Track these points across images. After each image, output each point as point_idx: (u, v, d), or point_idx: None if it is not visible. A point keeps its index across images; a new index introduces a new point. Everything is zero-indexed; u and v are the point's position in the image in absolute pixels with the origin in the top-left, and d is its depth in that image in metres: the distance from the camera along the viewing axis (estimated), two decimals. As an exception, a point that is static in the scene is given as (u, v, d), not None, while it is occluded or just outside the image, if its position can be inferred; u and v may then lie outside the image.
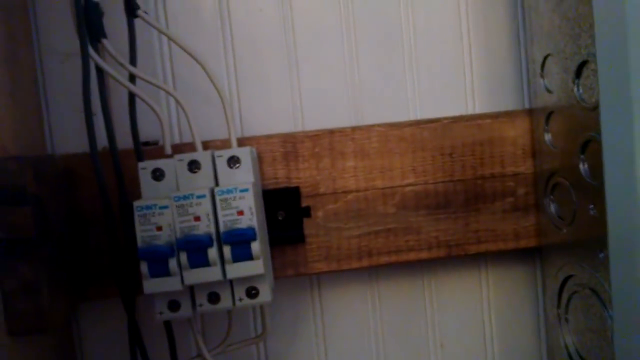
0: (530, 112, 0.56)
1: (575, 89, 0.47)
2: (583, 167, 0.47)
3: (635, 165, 0.42)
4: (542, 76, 0.53)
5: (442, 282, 0.61)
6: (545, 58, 0.52)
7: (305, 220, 0.55)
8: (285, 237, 0.54)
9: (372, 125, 0.56)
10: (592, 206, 0.46)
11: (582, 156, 0.47)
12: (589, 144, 0.46)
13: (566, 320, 0.54)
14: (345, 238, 0.55)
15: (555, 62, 0.51)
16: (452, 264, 0.61)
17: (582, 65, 0.46)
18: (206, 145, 0.53)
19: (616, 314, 0.44)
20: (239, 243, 0.43)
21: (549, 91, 0.52)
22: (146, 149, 0.53)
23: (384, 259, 0.56)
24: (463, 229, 0.56)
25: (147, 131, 0.56)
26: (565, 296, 0.53)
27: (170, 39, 0.54)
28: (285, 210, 0.54)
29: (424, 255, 0.56)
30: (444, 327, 0.62)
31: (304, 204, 0.55)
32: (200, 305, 0.46)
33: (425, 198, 0.56)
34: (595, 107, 0.44)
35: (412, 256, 0.56)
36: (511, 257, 0.61)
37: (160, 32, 0.53)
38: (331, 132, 0.55)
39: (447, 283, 0.61)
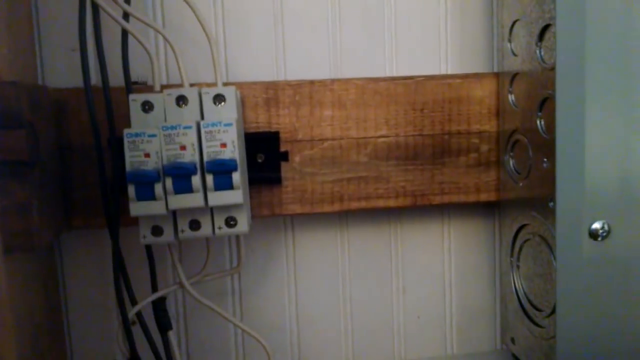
0: (498, 75, 0.61)
1: (537, 51, 0.51)
2: (540, 123, 0.52)
3: (584, 120, 0.47)
4: (509, 40, 0.57)
5: (407, 230, 0.66)
6: (514, 23, 0.56)
7: (283, 164, 0.59)
8: (264, 178, 0.58)
9: (350, 79, 0.59)
10: (545, 159, 0.51)
11: (539, 113, 0.52)
12: (545, 102, 0.51)
13: (517, 267, 0.59)
14: (319, 183, 0.59)
15: (522, 27, 0.55)
16: (417, 213, 0.65)
17: (545, 28, 0.50)
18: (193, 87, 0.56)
19: (559, 258, 0.49)
20: (221, 172, 0.47)
21: (514, 54, 0.57)
22: (136, 87, 0.56)
23: (355, 205, 0.60)
24: (429, 181, 0.61)
25: (136, 71, 0.58)
26: (518, 244, 0.59)
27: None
28: (264, 153, 0.58)
29: (391, 203, 0.61)
30: (407, 273, 0.66)
31: (282, 148, 0.58)
32: (182, 231, 0.50)
33: (395, 149, 0.60)
34: (553, 68, 0.48)
35: (380, 203, 0.61)
36: (472, 209, 0.66)
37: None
38: (311, 82, 0.58)
39: (411, 231, 0.66)
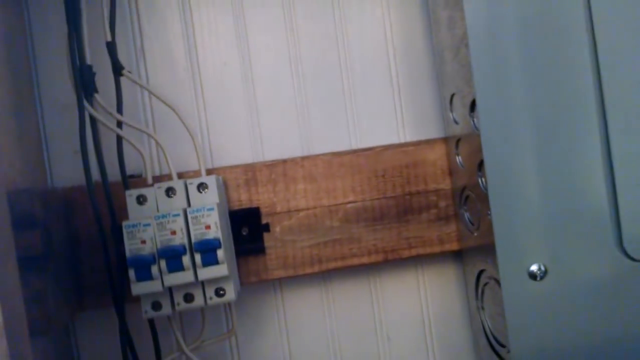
0: (446, 140, 0.69)
1: (471, 121, 0.60)
2: (481, 181, 0.60)
3: (511, 175, 0.55)
4: (451, 110, 0.66)
5: (385, 283, 0.73)
6: (452, 96, 0.65)
7: (266, 235, 0.66)
8: (249, 249, 0.66)
9: (318, 155, 0.68)
10: (489, 212, 0.59)
11: (479, 172, 0.60)
12: (482, 162, 0.59)
13: (482, 308, 0.66)
14: (299, 248, 0.67)
15: (458, 99, 0.64)
16: (392, 266, 0.73)
17: (474, 102, 0.59)
18: (181, 176, 0.65)
19: (506, 299, 0.56)
20: (207, 251, 0.55)
21: (456, 122, 0.65)
22: (131, 180, 0.65)
23: (332, 265, 0.68)
24: (396, 237, 0.68)
25: (132, 165, 0.67)
26: (480, 287, 0.65)
27: (149, 92, 0.66)
28: (248, 226, 0.66)
29: (364, 260, 0.68)
30: (389, 322, 0.73)
31: (263, 221, 0.66)
32: (178, 304, 0.57)
33: (364, 212, 0.68)
34: (482, 134, 0.57)
35: (355, 261, 0.68)
36: (441, 258, 0.73)
37: (142, 87, 0.65)
38: (284, 161, 0.67)
39: (389, 283, 0.73)
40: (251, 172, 0.67)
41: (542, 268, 0.54)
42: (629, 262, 0.54)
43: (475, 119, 0.59)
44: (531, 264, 0.55)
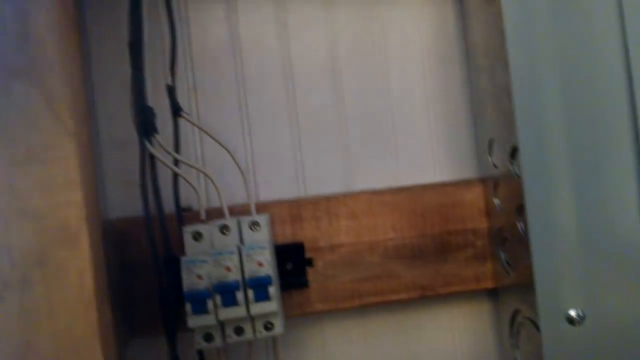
0: (483, 181, 0.72)
1: (511, 167, 0.63)
2: (520, 225, 0.62)
3: (552, 225, 0.58)
4: (490, 154, 0.69)
5: (420, 318, 0.75)
6: (491, 140, 0.68)
7: (309, 269, 0.69)
8: (293, 283, 0.69)
9: (360, 192, 0.71)
10: (529, 256, 0.61)
11: (518, 216, 0.62)
12: (521, 207, 0.61)
13: (517, 347, 0.68)
14: (340, 283, 0.70)
15: (498, 145, 0.66)
16: (429, 302, 0.75)
17: (515, 149, 0.62)
18: (231, 209, 0.68)
19: (545, 343, 0.58)
20: (259, 287, 0.58)
21: (495, 166, 0.68)
22: (185, 214, 0.68)
23: (371, 299, 0.70)
24: (434, 274, 0.71)
25: (182, 197, 0.71)
26: (515, 327, 0.67)
27: (204, 132, 0.70)
28: (292, 261, 0.69)
29: (403, 296, 0.71)
30: (423, 356, 0.75)
31: (307, 255, 0.69)
32: (229, 336, 0.60)
33: (403, 249, 0.71)
34: (523, 182, 0.59)
35: (393, 297, 0.70)
36: (476, 295, 0.75)
37: (197, 127, 0.69)
38: (328, 198, 0.70)
39: (425, 318, 0.75)
40: (296, 208, 0.70)
41: (581, 313, 0.56)
42: (665, 309, 0.56)
43: (515, 165, 0.62)
44: (570, 309, 0.57)
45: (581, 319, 0.56)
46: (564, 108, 0.59)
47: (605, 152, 0.59)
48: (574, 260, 0.57)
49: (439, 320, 0.76)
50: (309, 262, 0.69)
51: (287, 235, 0.70)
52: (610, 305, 0.57)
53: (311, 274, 0.69)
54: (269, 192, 0.74)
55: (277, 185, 0.74)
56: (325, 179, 0.74)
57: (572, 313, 0.57)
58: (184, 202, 0.71)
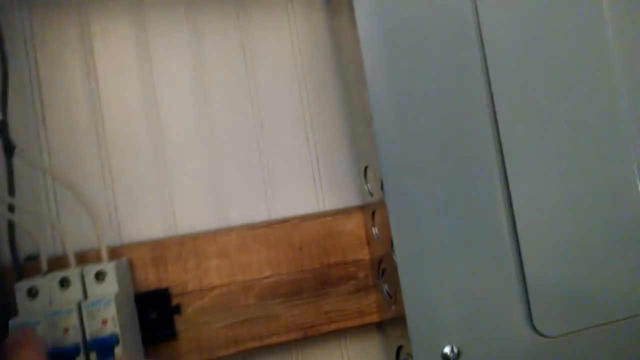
0: (363, 209, 0.68)
1: (383, 194, 0.59)
2: (394, 255, 0.59)
3: (421, 254, 0.54)
4: (366, 181, 0.66)
5: (308, 358, 0.70)
6: (366, 168, 0.65)
7: (177, 317, 0.63)
8: (159, 335, 0.62)
9: (232, 228, 0.65)
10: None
11: (393, 246, 0.59)
12: (395, 238, 0.58)
13: (404, 383, 0.64)
14: (214, 330, 0.63)
15: (371, 172, 0.63)
16: (315, 341, 0.70)
17: (385, 176, 0.58)
18: (83, 256, 0.60)
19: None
20: (103, 349, 0.51)
21: (370, 194, 0.65)
22: (28, 264, 0.60)
23: (249, 345, 0.64)
24: (315, 312, 0.66)
25: (29, 245, 0.62)
26: (401, 362, 0.64)
27: (48, 173, 0.62)
28: (157, 309, 0.62)
29: (284, 338, 0.65)
30: (313, 399, 0.70)
31: (174, 302, 0.63)
32: (73, 407, 0.52)
33: (280, 287, 0.65)
34: (393, 211, 0.56)
35: (274, 340, 0.65)
36: (363, 331, 0.71)
37: (36, 167, 0.61)
38: (195, 237, 0.64)
39: (312, 358, 0.70)
40: (159, 249, 0.63)
41: (455, 350, 0.53)
42: (540, 339, 0.54)
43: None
44: (445, 346, 0.53)
45: (456, 356, 0.53)
46: (429, 136, 0.56)
47: (472, 179, 0.56)
48: (447, 293, 0.54)
49: (330, 359, 0.71)
50: (176, 310, 0.63)
51: (150, 280, 0.63)
52: (486, 339, 0.54)
53: (180, 322, 0.63)
54: (133, 232, 0.67)
55: (142, 225, 0.67)
56: (195, 215, 0.68)
57: (447, 350, 0.53)
58: (29, 250, 0.63)
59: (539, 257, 0.54)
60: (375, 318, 0.68)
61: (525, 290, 0.54)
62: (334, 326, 0.66)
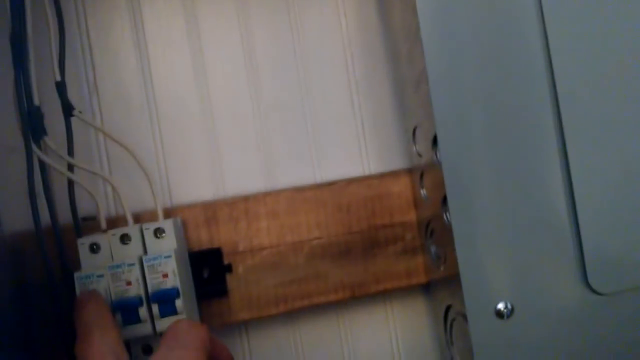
0: (410, 171, 0.68)
1: (434, 155, 0.59)
2: (445, 215, 0.59)
3: (474, 212, 0.55)
4: (414, 143, 0.66)
5: (353, 319, 0.71)
6: (414, 129, 0.65)
7: (228, 276, 0.64)
8: (211, 292, 0.63)
9: (281, 190, 0.66)
10: (454, 247, 0.58)
11: (443, 206, 0.59)
12: (446, 197, 0.58)
13: (452, 343, 0.65)
14: (264, 288, 0.65)
15: (421, 133, 0.63)
16: (361, 302, 0.71)
17: (436, 136, 0.58)
18: (138, 217, 0.62)
19: (474, 338, 0.55)
20: (164, 301, 0.52)
21: (419, 155, 0.65)
22: (85, 224, 0.62)
23: (298, 304, 0.66)
24: (363, 272, 0.67)
25: (86, 207, 0.64)
26: (448, 323, 0.64)
27: (103, 133, 0.63)
28: (209, 268, 0.64)
29: (332, 297, 0.66)
30: (359, 358, 0.71)
31: (225, 261, 0.64)
32: (136, 357, 0.55)
33: (329, 248, 0.66)
34: (445, 170, 0.56)
35: (322, 299, 0.66)
36: (409, 292, 0.72)
37: (94, 127, 0.63)
38: (245, 198, 0.65)
39: (358, 319, 0.71)
40: (211, 210, 0.64)
41: (509, 306, 0.54)
42: (594, 296, 0.54)
43: (437, 154, 0.59)
44: (498, 302, 0.54)
45: (510, 312, 0.53)
46: (483, 92, 0.56)
47: (527, 136, 0.56)
48: (500, 251, 0.54)
49: (373, 321, 0.72)
50: (228, 268, 0.64)
51: (202, 240, 0.64)
52: (539, 296, 0.54)
53: (231, 280, 0.64)
54: (183, 195, 0.68)
55: (192, 187, 0.68)
56: (244, 178, 0.69)
57: (501, 306, 0.54)
58: (86, 211, 0.65)
59: (594, 215, 0.54)
60: (422, 279, 0.68)
61: (580, 247, 0.53)
62: (381, 286, 0.67)
